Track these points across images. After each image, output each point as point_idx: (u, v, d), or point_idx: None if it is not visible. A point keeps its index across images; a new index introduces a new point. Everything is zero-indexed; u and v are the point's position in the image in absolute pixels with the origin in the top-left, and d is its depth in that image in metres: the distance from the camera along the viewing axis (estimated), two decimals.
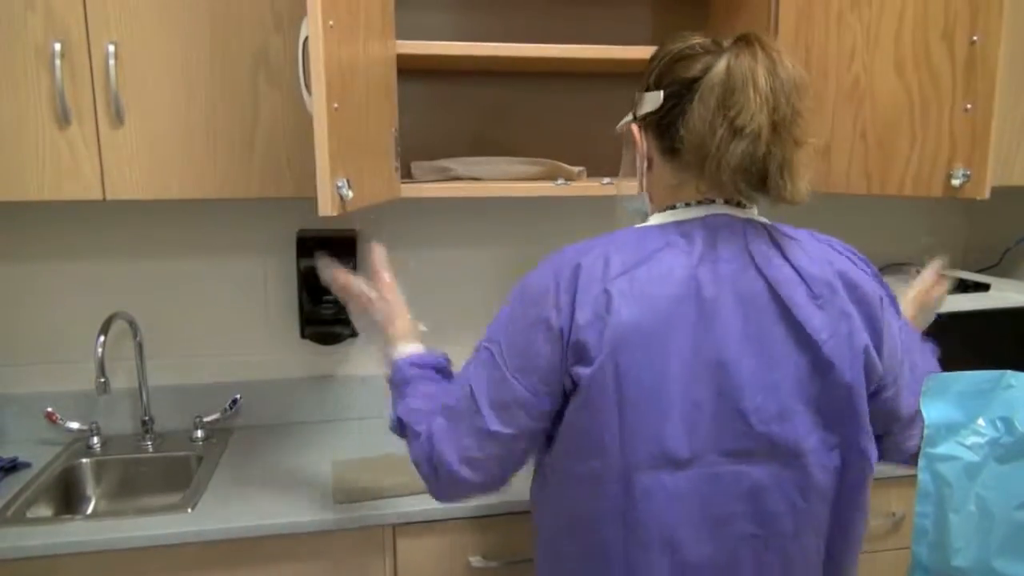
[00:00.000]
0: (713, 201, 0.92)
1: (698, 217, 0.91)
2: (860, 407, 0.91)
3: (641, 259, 0.87)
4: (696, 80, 0.86)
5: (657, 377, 0.85)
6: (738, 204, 0.93)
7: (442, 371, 1.12)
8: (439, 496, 0.99)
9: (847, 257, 0.94)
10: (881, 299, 0.93)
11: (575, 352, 0.86)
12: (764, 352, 0.87)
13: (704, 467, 0.87)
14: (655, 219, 0.95)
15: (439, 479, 0.96)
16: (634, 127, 0.97)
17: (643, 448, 0.86)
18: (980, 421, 0.93)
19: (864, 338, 0.90)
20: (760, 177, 0.85)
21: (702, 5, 1.81)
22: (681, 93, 0.88)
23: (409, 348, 1.15)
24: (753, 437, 0.87)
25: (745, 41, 0.85)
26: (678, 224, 0.91)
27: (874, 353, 0.90)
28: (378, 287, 1.20)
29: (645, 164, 0.97)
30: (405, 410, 1.03)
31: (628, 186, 1.04)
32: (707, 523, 0.88)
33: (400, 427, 1.04)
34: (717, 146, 0.84)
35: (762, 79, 0.82)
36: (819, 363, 0.88)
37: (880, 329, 0.91)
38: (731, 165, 0.84)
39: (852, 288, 0.90)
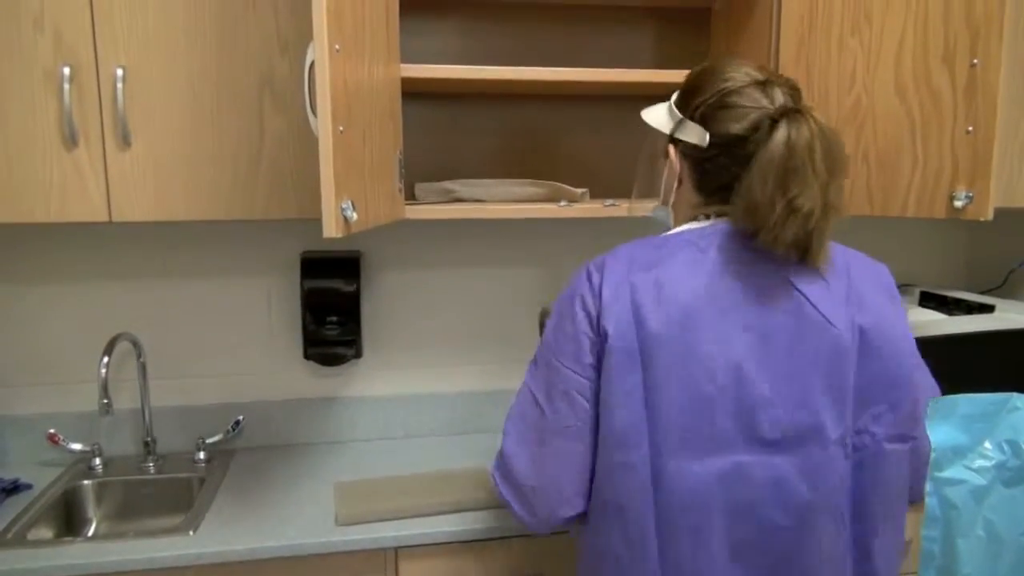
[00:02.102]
0: None
1: (718, 224, 0.97)
2: (879, 394, 0.94)
3: (661, 257, 0.94)
4: (744, 140, 0.92)
5: (680, 369, 0.89)
6: None
7: None
8: (531, 523, 1.01)
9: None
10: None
11: (601, 333, 0.92)
12: (784, 343, 0.91)
13: (728, 456, 0.90)
14: (675, 230, 1.01)
15: (521, 499, 1.00)
16: (672, 149, 1.02)
17: (667, 437, 0.90)
18: (986, 444, 0.93)
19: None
20: (805, 246, 0.91)
21: (704, 28, 1.83)
22: (728, 147, 0.94)
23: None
24: (775, 426, 0.90)
25: (799, 113, 0.89)
26: (698, 230, 0.97)
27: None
28: None
29: (676, 183, 1.03)
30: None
31: (642, 207, 1.11)
32: (732, 511, 0.91)
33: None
34: (775, 222, 0.88)
35: (819, 160, 0.88)
36: (839, 350, 0.92)
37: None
38: (787, 241, 0.89)
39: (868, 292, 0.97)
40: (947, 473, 0.93)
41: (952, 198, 1.30)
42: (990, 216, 1.26)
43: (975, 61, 1.26)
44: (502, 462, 1.03)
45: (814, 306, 0.92)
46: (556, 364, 0.97)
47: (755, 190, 0.88)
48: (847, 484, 0.94)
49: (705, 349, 0.89)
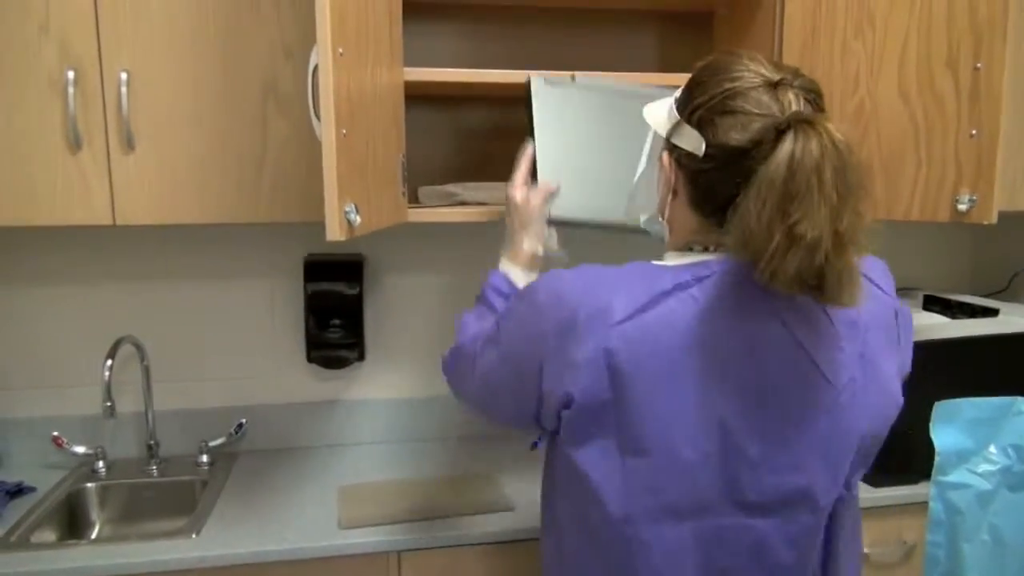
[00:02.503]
0: None
1: (715, 261, 0.85)
2: (865, 452, 0.88)
3: (648, 303, 0.82)
4: (745, 153, 0.79)
5: (661, 427, 0.81)
6: None
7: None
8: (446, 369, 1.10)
9: (868, 279, 0.90)
10: (896, 312, 0.91)
11: (563, 395, 0.83)
12: (779, 402, 0.82)
13: (708, 519, 0.84)
14: (670, 258, 0.90)
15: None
16: (665, 156, 0.90)
17: (644, 499, 0.83)
18: (991, 448, 0.93)
19: (889, 373, 0.87)
20: (817, 285, 0.76)
21: (706, 32, 1.83)
22: (726, 160, 0.81)
23: (507, 269, 1.20)
24: (762, 491, 0.83)
25: (809, 125, 0.75)
26: (692, 267, 0.84)
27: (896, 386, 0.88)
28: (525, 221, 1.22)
29: (671, 195, 0.91)
30: (463, 338, 1.08)
31: (639, 208, 1.01)
32: (707, 574, 0.85)
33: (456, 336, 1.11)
34: (772, 254, 0.74)
35: (829, 181, 0.73)
36: (836, 410, 0.84)
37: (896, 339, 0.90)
38: (788, 276, 0.75)
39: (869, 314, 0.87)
40: (952, 477, 0.93)
41: (956, 202, 1.30)
42: (994, 220, 1.26)
43: (979, 65, 1.26)
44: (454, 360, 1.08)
45: (814, 361, 0.82)
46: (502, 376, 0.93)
47: (750, 215, 0.75)
48: (822, 537, 0.88)
49: (687, 408, 0.80)
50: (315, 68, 1.00)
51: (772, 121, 0.78)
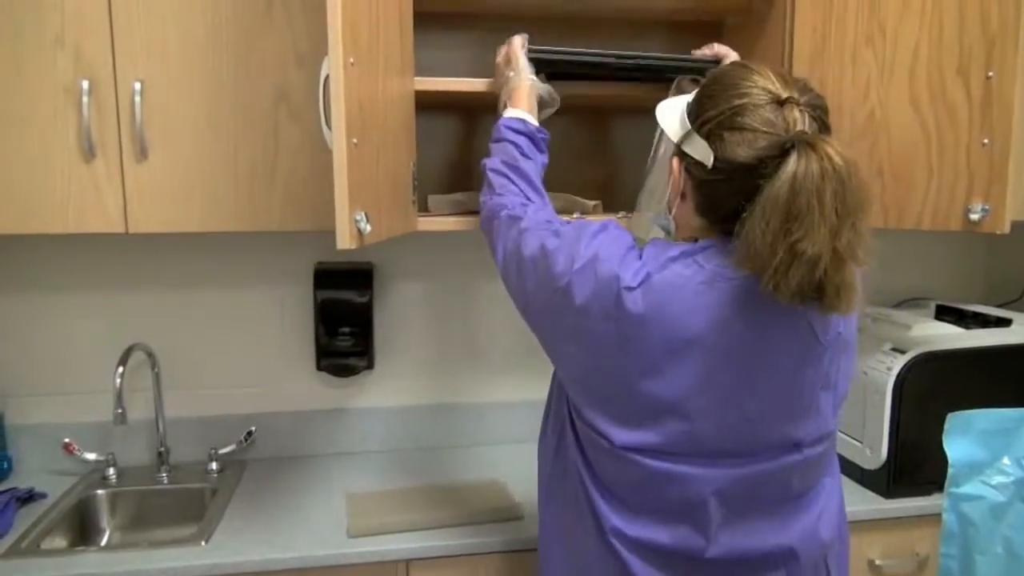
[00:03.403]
0: None
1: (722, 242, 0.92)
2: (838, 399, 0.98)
3: (658, 267, 0.89)
4: (750, 169, 0.84)
5: (660, 374, 0.88)
6: None
7: (533, 139, 1.25)
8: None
9: None
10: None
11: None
12: (776, 363, 0.89)
13: (702, 464, 0.91)
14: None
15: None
16: (675, 162, 0.95)
17: (638, 436, 0.91)
18: (1005, 460, 0.92)
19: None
20: (816, 296, 0.83)
21: (717, 40, 1.82)
22: (732, 175, 0.86)
23: (513, 114, 1.27)
24: (760, 444, 0.91)
25: (811, 147, 0.80)
26: (695, 243, 0.93)
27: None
28: (514, 64, 1.34)
29: (679, 197, 0.97)
30: (493, 164, 1.21)
31: (641, 218, 1.06)
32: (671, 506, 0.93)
33: (484, 173, 1.22)
34: (776, 268, 0.80)
35: (828, 202, 0.79)
36: (822, 361, 0.92)
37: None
38: (790, 289, 0.81)
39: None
40: (965, 489, 0.92)
41: (968, 211, 1.29)
42: (1007, 229, 1.25)
43: (990, 73, 1.25)
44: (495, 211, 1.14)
45: (810, 321, 0.91)
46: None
47: (755, 233, 0.81)
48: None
49: (688, 363, 0.89)
50: (327, 78, 1.01)
51: (777, 140, 0.83)
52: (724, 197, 0.88)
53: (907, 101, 1.37)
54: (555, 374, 1.09)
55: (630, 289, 0.88)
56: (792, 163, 0.79)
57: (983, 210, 1.26)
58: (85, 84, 1.34)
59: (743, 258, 0.83)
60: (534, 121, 1.27)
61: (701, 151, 0.89)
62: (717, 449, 0.90)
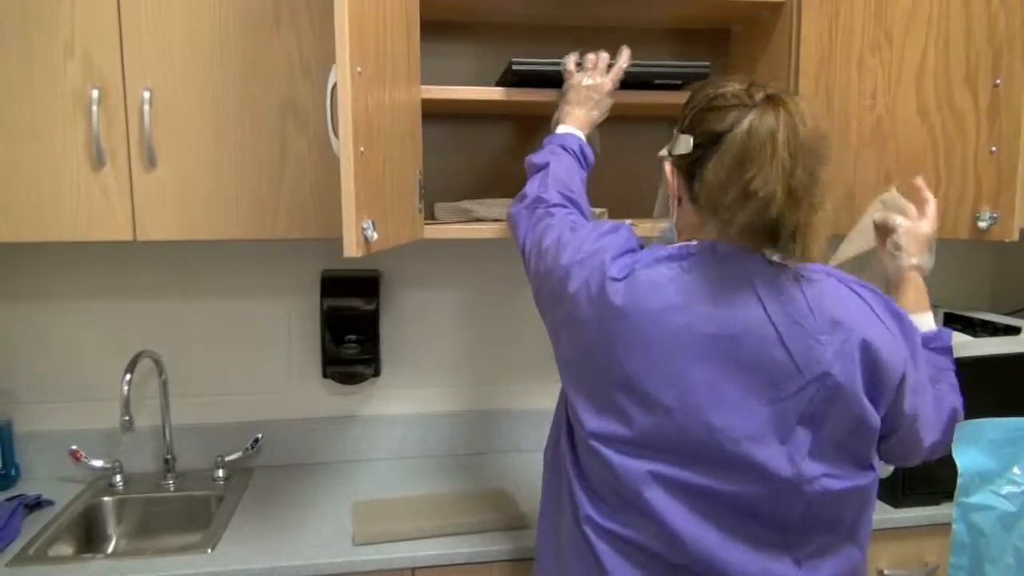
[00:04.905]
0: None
1: (709, 247, 0.94)
2: (835, 444, 0.91)
3: (644, 264, 0.93)
4: (722, 135, 0.89)
5: (632, 363, 0.90)
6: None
7: (578, 156, 1.32)
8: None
9: (869, 307, 0.94)
10: (903, 376, 0.93)
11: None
12: (744, 375, 0.88)
13: (667, 464, 0.91)
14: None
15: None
16: (667, 166, 1.00)
17: (607, 424, 0.93)
18: (1015, 470, 0.91)
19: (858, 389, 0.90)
20: (770, 237, 0.87)
21: (723, 49, 1.83)
22: (707, 144, 0.91)
23: (572, 130, 1.35)
24: (720, 451, 0.89)
25: (771, 101, 0.87)
26: (688, 246, 0.94)
27: (865, 400, 0.91)
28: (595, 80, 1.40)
29: (675, 202, 1.00)
30: (537, 157, 1.29)
31: (660, 226, 1.09)
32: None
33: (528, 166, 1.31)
34: (728, 206, 0.87)
35: (781, 144, 0.84)
36: (801, 397, 0.89)
37: (888, 396, 0.93)
38: (739, 224, 0.87)
39: (872, 362, 0.91)
40: (974, 499, 0.91)
41: (976, 219, 1.28)
42: (1015, 237, 1.25)
43: (998, 81, 1.25)
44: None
45: (786, 346, 0.89)
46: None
47: (710, 175, 0.88)
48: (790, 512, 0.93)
49: (660, 363, 0.90)
50: (334, 86, 1.01)
51: (745, 106, 0.89)
52: (704, 167, 0.91)
53: (914, 109, 1.37)
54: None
55: (614, 280, 0.92)
56: (753, 114, 0.87)
57: (991, 218, 1.26)
58: (95, 93, 1.35)
59: (700, 200, 0.92)
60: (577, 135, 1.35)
61: (684, 143, 0.95)
62: (680, 448, 0.90)
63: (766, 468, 0.88)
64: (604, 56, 1.42)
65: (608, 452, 0.93)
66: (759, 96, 0.89)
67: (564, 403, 1.06)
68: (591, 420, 0.95)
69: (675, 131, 1.00)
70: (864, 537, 0.97)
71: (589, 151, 1.34)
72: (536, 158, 1.30)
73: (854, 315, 0.92)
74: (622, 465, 0.92)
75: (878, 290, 0.98)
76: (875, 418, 0.91)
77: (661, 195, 1.07)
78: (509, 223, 1.27)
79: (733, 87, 0.92)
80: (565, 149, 1.30)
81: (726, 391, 0.89)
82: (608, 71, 1.41)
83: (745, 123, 0.86)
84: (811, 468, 0.89)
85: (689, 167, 0.95)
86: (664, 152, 1.02)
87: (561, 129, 1.36)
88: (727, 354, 0.89)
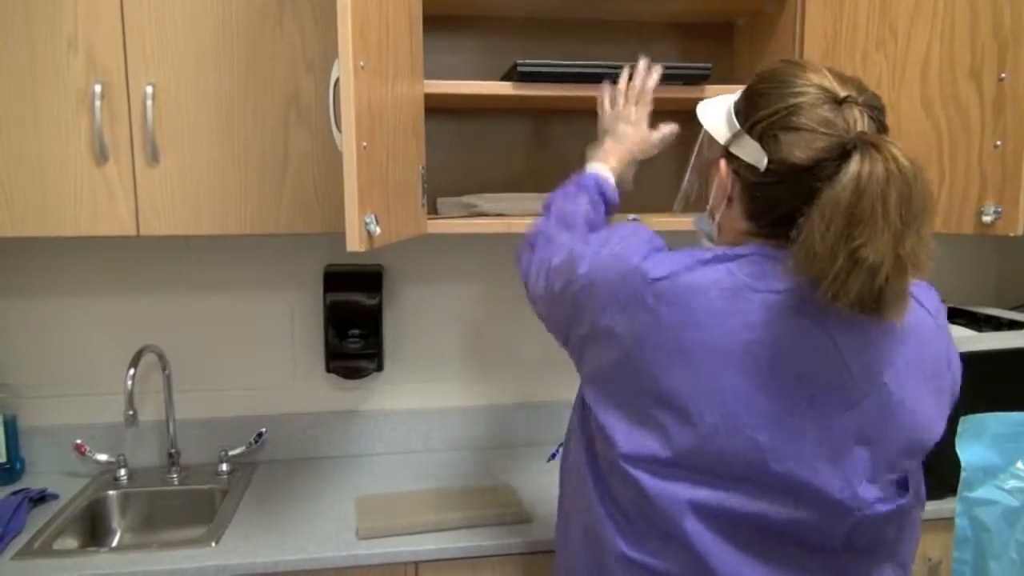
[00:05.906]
0: None
1: (759, 250, 0.86)
2: (888, 463, 0.85)
3: (687, 267, 0.85)
4: (808, 171, 0.80)
5: (669, 370, 0.83)
6: None
7: (607, 201, 1.21)
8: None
9: (927, 311, 0.89)
10: (948, 361, 0.90)
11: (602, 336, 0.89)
12: (796, 392, 0.82)
13: (708, 487, 0.84)
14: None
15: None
16: (723, 164, 0.91)
17: (643, 443, 0.86)
18: (1019, 464, 0.91)
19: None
20: (875, 306, 0.77)
21: (727, 44, 1.82)
22: (788, 177, 0.82)
23: (599, 169, 1.24)
24: (765, 473, 0.82)
25: (875, 147, 0.76)
26: (734, 249, 0.87)
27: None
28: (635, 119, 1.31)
29: (726, 201, 0.92)
30: (556, 198, 1.20)
31: (689, 219, 1.04)
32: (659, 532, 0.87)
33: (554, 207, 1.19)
34: (835, 275, 0.75)
35: (893, 206, 0.74)
36: (857, 413, 0.83)
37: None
38: (850, 297, 0.76)
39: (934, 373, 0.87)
40: (978, 493, 0.91)
41: (980, 213, 1.28)
42: (1020, 231, 1.24)
43: (1003, 75, 1.24)
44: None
45: (843, 358, 0.82)
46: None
47: (815, 236, 0.76)
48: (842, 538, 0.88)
49: (705, 377, 0.83)
50: (337, 81, 1.01)
51: (837, 140, 0.78)
52: (777, 200, 0.84)
53: (919, 103, 1.36)
54: (577, 397, 1.04)
55: (652, 282, 0.84)
56: (855, 165, 0.75)
57: (995, 212, 1.26)
58: (98, 88, 1.35)
59: (800, 264, 0.78)
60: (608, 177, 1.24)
61: (753, 153, 0.85)
62: (723, 470, 0.83)
63: (819, 491, 0.82)
64: (636, 84, 1.31)
65: (643, 476, 0.85)
66: (855, 126, 0.80)
67: (581, 415, 0.99)
68: (623, 440, 0.87)
69: (732, 115, 0.89)
70: (905, 554, 0.91)
71: (610, 188, 1.22)
72: (549, 198, 1.22)
73: (911, 322, 0.85)
74: (659, 493, 0.85)
75: (931, 288, 0.92)
76: (931, 434, 0.86)
77: (686, 185, 1.02)
78: (516, 259, 1.21)
79: (817, 97, 0.81)
80: (580, 188, 1.21)
81: (775, 407, 0.82)
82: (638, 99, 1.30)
83: (849, 175, 0.75)
84: (867, 491, 0.83)
85: (755, 188, 0.86)
86: (718, 139, 0.92)
87: (588, 167, 1.27)
88: (770, 362, 0.82)
